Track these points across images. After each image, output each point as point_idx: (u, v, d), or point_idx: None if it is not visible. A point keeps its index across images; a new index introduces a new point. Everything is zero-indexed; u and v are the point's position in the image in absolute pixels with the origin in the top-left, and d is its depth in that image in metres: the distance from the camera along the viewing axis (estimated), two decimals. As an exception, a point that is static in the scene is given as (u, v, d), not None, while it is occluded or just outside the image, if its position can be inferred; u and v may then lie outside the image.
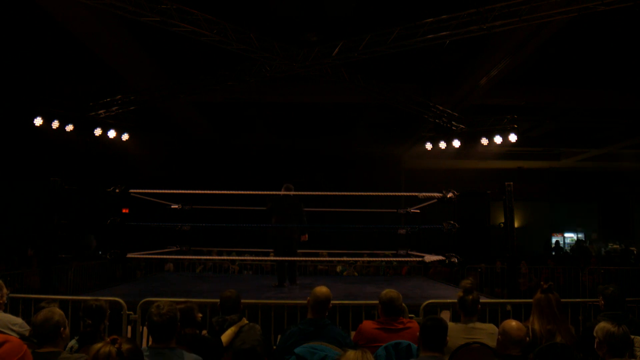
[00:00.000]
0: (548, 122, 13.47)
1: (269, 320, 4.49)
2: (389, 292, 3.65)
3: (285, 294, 6.16)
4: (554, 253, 19.04)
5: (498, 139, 9.27)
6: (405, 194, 7.92)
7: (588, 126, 14.46)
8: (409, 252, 8.22)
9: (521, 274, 10.28)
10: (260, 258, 9.57)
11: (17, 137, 12.80)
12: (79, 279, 8.99)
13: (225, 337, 3.36)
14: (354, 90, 9.40)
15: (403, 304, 3.82)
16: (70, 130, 9.11)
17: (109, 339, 2.21)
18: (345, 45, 7.58)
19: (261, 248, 8.59)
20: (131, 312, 4.41)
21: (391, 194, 6.76)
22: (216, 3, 7.38)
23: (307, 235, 7.01)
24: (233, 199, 9.06)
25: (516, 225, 6.76)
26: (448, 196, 5.95)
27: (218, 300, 3.67)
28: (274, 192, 6.79)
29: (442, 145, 10.16)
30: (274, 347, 3.64)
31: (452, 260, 6.10)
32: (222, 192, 6.39)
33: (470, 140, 9.70)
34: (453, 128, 9.65)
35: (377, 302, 3.72)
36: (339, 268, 10.80)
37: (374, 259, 11.08)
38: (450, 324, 3.35)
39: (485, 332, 3.52)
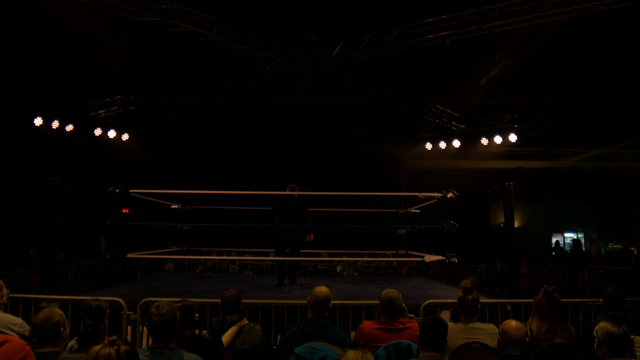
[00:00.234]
0: (548, 122, 13.46)
1: (269, 320, 4.49)
2: (389, 292, 3.65)
3: (285, 294, 6.16)
4: (554, 253, 19.05)
5: (498, 139, 9.27)
6: (405, 194, 7.93)
7: (588, 126, 14.45)
8: (409, 252, 8.22)
9: (521, 274, 10.29)
10: (261, 258, 9.58)
11: (17, 137, 12.79)
12: (79, 279, 9.00)
13: (225, 337, 3.36)
14: (354, 90, 9.40)
15: (403, 304, 3.82)
16: (70, 130, 9.11)
17: (107, 340, 2.21)
18: (345, 45, 7.58)
19: (261, 248, 8.61)
20: (131, 312, 4.41)
21: (391, 194, 6.77)
22: (216, 3, 7.38)
23: (312, 235, 6.99)
24: (233, 199, 9.07)
25: (516, 225, 6.75)
26: (448, 196, 5.95)
27: (218, 300, 3.67)
28: (279, 192, 6.80)
29: (442, 145, 10.16)
30: (274, 347, 3.64)
31: (452, 260, 6.10)
32: (222, 192, 6.40)
33: (470, 140, 9.70)
34: (453, 128, 9.65)
35: (377, 302, 3.73)
36: (339, 268, 10.81)
37: (374, 259, 11.08)
38: (450, 324, 3.35)
39: (485, 332, 3.52)
